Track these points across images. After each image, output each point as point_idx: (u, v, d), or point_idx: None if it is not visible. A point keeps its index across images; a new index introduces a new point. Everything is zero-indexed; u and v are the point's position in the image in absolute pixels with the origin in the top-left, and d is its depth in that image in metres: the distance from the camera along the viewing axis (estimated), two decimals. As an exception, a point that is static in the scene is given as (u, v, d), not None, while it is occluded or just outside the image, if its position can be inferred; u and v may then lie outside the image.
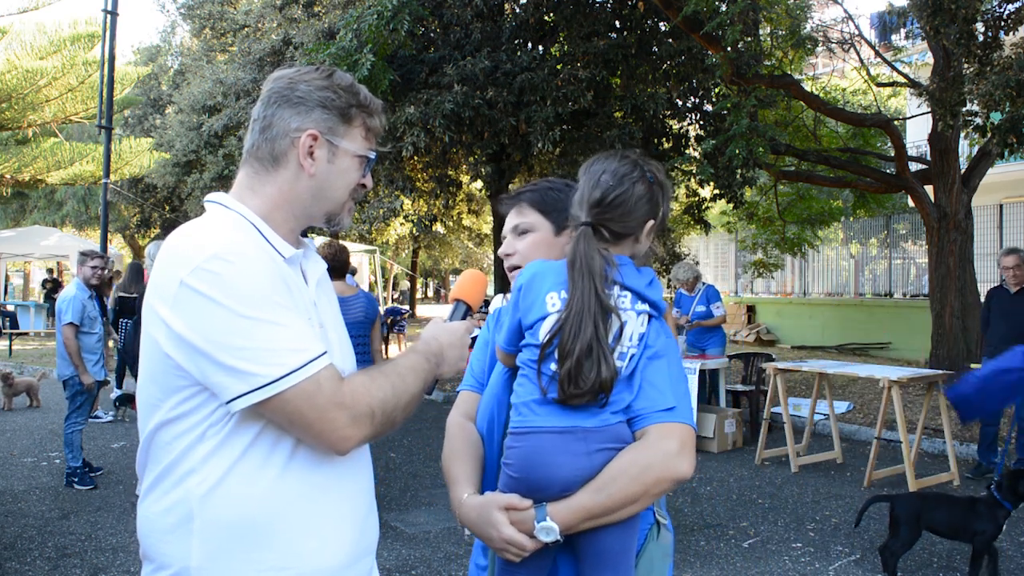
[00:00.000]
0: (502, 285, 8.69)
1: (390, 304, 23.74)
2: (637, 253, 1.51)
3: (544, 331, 1.42)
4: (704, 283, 8.25)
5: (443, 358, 1.43)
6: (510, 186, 13.02)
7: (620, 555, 1.43)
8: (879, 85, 12.90)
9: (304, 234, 1.49)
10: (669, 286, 10.62)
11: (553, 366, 1.38)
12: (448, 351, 1.44)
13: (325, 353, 1.26)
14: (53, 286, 20.92)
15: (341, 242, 5.48)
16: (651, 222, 1.49)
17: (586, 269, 1.40)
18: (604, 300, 1.39)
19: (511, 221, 1.71)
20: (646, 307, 1.45)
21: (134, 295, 8.08)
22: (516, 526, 1.38)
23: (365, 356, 5.10)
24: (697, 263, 16.32)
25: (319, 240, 20.52)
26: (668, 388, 1.46)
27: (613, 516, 1.38)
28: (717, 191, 11.07)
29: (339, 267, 5.23)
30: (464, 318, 1.53)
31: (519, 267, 1.64)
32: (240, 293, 1.20)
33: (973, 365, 7.06)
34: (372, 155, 1.44)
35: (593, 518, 1.38)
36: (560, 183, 1.73)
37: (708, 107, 11.79)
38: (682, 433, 1.42)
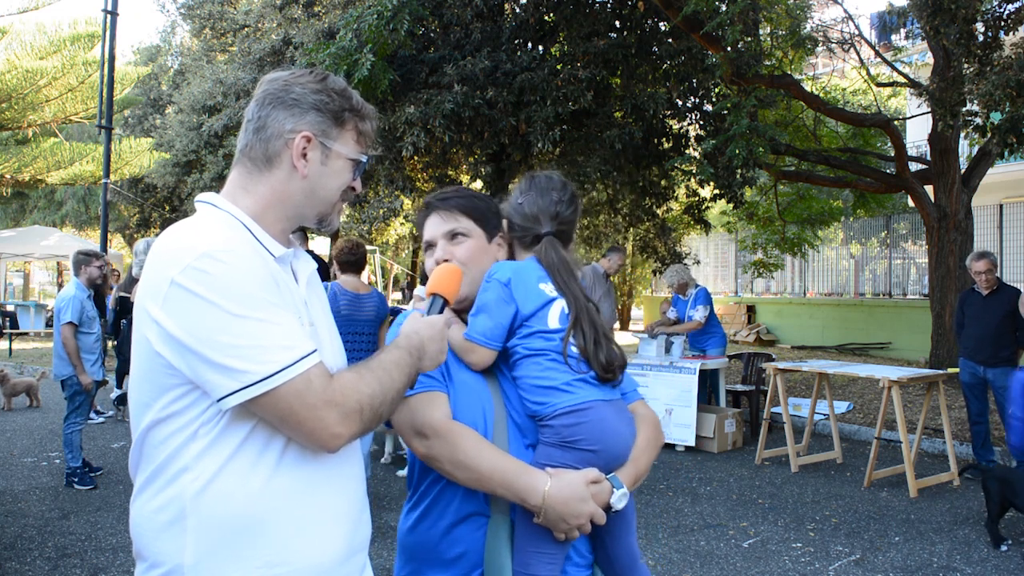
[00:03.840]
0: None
1: (391, 305, 23.69)
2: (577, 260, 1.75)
3: (554, 315, 1.57)
4: (697, 286, 8.16)
5: (424, 352, 1.43)
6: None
7: (632, 513, 1.62)
8: (879, 85, 12.90)
9: (304, 236, 1.50)
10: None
11: (574, 348, 1.56)
12: (429, 345, 1.43)
13: (315, 351, 1.27)
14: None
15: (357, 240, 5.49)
16: (575, 235, 1.77)
17: (568, 270, 1.63)
18: (588, 295, 1.64)
19: (442, 226, 1.69)
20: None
21: (132, 295, 8.09)
22: (594, 499, 1.49)
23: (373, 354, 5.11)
24: (697, 263, 16.31)
25: (317, 240, 20.24)
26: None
27: (643, 478, 1.62)
28: (717, 191, 11.06)
29: (357, 262, 5.26)
30: (441, 311, 1.53)
31: None
32: (230, 291, 1.21)
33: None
34: (364, 159, 1.46)
35: (637, 481, 1.59)
36: (473, 192, 1.80)
37: (708, 107, 11.76)
38: (648, 406, 1.77)
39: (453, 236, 1.69)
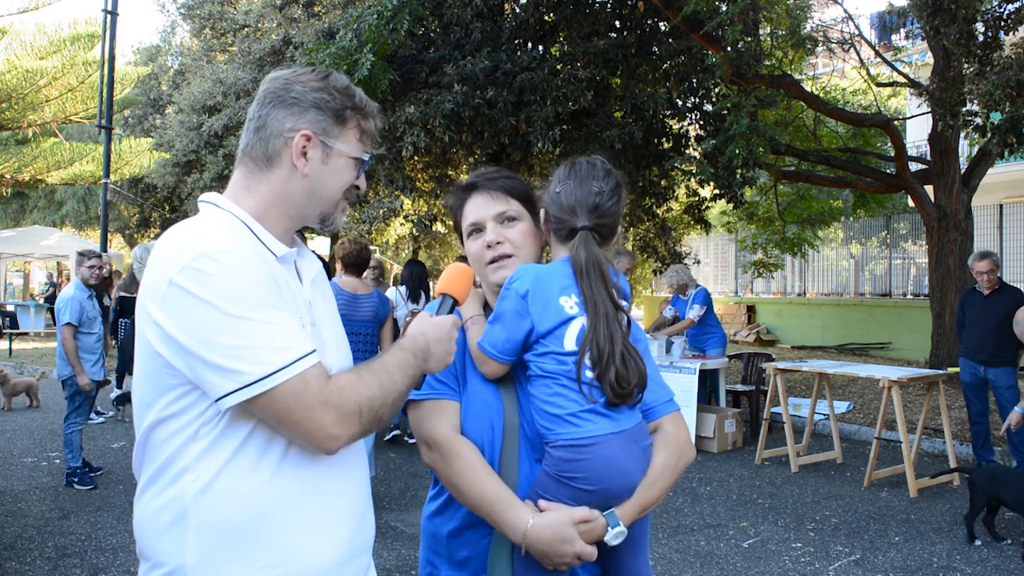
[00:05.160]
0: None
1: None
2: (609, 257, 1.60)
3: (571, 336, 1.45)
4: (697, 287, 8.17)
5: (430, 354, 1.41)
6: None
7: (643, 538, 1.55)
8: (879, 85, 12.90)
9: (302, 236, 1.49)
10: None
11: (589, 373, 1.43)
12: (435, 346, 1.41)
13: (313, 352, 1.26)
14: (52, 293, 21.21)
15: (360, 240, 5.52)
16: (620, 229, 1.60)
17: (598, 273, 1.47)
18: (616, 302, 1.47)
19: (492, 208, 1.60)
20: (624, 303, 1.54)
21: (134, 295, 8.09)
22: (584, 537, 1.41)
23: (372, 355, 5.12)
24: (697, 263, 16.31)
25: (317, 240, 20.12)
26: (659, 378, 1.60)
27: (653, 506, 1.52)
28: (717, 191, 11.06)
29: (360, 264, 5.29)
30: (451, 312, 1.50)
31: (507, 256, 1.59)
32: (228, 292, 1.21)
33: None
34: (366, 157, 1.44)
35: (644, 511, 1.49)
36: (514, 173, 1.70)
37: (708, 107, 11.76)
38: (683, 419, 1.63)
39: (505, 218, 1.60)
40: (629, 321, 1.52)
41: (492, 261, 1.60)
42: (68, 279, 23.05)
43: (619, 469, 1.44)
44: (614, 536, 1.42)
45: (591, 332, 1.44)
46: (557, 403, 1.44)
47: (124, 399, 8.56)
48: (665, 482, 1.52)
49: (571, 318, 1.47)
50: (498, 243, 1.59)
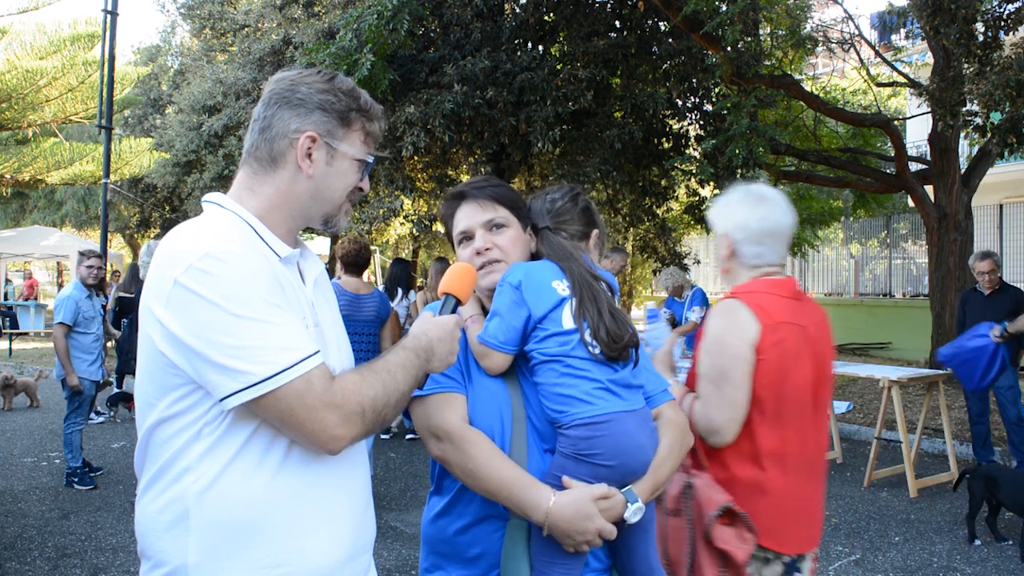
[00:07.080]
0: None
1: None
2: (592, 259, 1.72)
3: (568, 315, 1.53)
4: (694, 287, 8.15)
5: (433, 353, 1.41)
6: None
7: (651, 523, 1.60)
8: (879, 85, 12.91)
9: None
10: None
11: (593, 345, 1.50)
12: (438, 346, 1.42)
13: (317, 352, 1.26)
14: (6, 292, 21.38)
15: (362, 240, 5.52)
16: (595, 231, 1.76)
17: (567, 253, 1.62)
18: (591, 270, 1.58)
19: (480, 215, 1.66)
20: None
21: (134, 295, 8.09)
22: (604, 514, 1.45)
23: (375, 355, 5.12)
24: (697, 263, 16.30)
25: (317, 240, 20.07)
26: (654, 369, 1.70)
27: (664, 486, 1.59)
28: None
29: (361, 264, 5.30)
30: (454, 312, 1.51)
31: (496, 262, 1.64)
32: (232, 292, 1.21)
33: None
34: (370, 159, 1.45)
35: (656, 491, 1.56)
36: (502, 181, 1.78)
37: (708, 107, 11.76)
38: (680, 408, 1.74)
39: (493, 225, 1.65)
40: (612, 291, 1.62)
41: (482, 267, 1.65)
42: (32, 277, 23.24)
43: (635, 445, 1.50)
44: (633, 512, 1.47)
45: (579, 298, 1.54)
46: (567, 383, 1.49)
47: (116, 400, 8.54)
48: (672, 463, 1.59)
49: (565, 299, 1.55)
50: (487, 249, 1.64)
